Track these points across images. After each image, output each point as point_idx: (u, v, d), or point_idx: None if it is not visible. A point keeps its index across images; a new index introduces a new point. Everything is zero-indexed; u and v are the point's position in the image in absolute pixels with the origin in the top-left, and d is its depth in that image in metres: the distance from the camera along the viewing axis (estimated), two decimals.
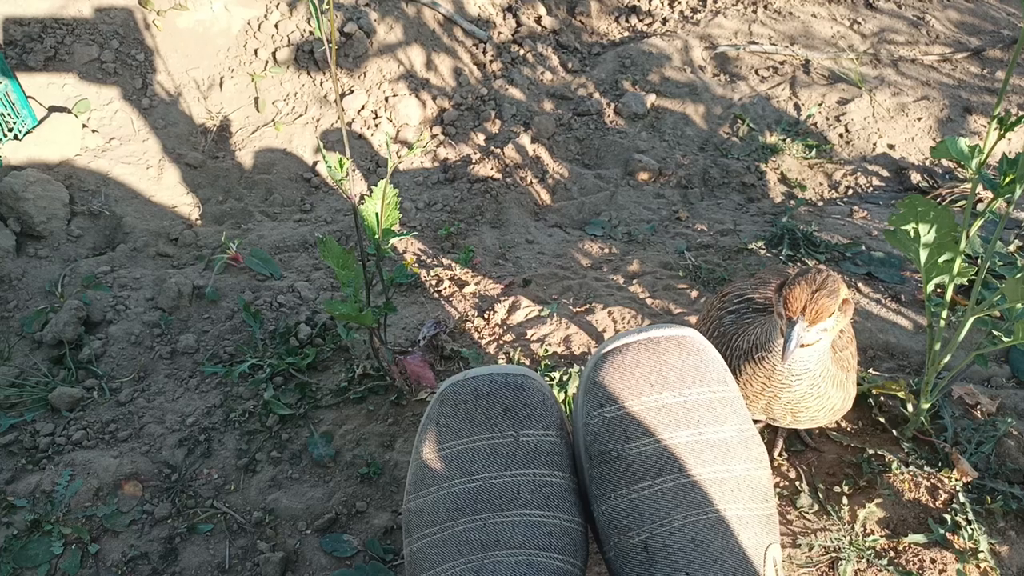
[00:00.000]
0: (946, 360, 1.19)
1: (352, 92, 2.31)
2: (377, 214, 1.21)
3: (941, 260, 1.13)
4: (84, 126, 2.10)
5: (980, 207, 1.94)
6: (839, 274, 1.69)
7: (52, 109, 2.08)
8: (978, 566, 1.11)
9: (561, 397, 1.37)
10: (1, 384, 1.45)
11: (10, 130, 1.96)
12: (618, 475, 0.84)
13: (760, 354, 1.03)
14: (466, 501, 0.84)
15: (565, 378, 1.39)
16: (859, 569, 1.11)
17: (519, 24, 2.66)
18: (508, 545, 0.82)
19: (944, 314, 1.18)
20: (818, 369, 1.02)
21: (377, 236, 1.22)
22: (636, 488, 0.83)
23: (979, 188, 1.46)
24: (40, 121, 2.02)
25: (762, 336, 1.04)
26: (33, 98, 2.06)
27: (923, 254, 1.13)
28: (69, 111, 2.09)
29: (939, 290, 1.53)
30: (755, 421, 1.22)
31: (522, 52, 2.58)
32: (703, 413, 0.85)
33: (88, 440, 1.36)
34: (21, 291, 1.65)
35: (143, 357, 1.52)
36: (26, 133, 1.98)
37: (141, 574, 1.17)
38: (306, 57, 2.35)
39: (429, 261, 1.81)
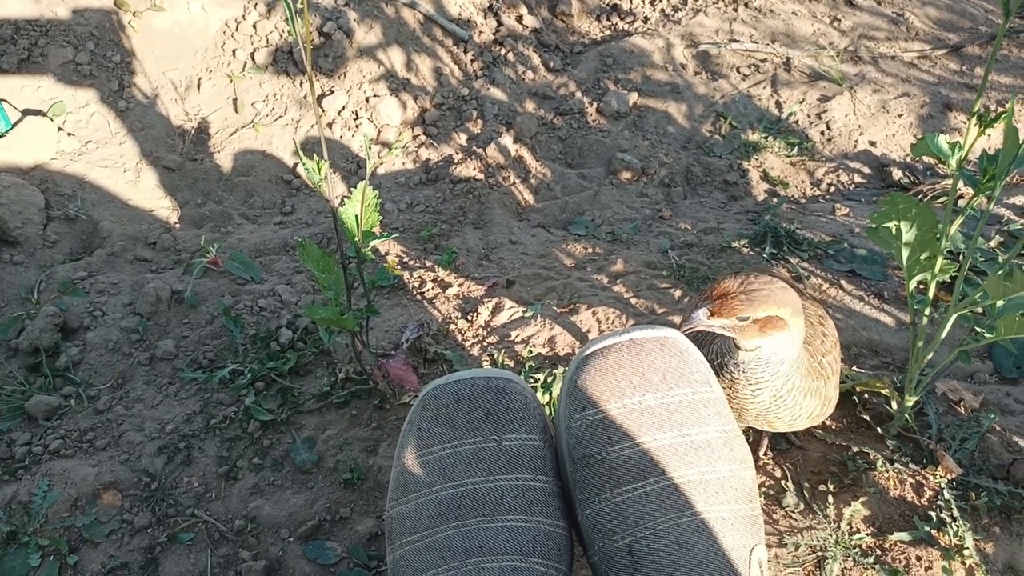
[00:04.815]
0: (929, 357, 1.20)
1: (332, 93, 2.29)
2: (357, 216, 1.20)
3: (923, 257, 1.13)
4: (59, 129, 2.07)
5: (962, 203, 1.94)
6: (823, 272, 1.69)
7: (26, 112, 2.04)
8: (963, 563, 1.11)
9: (546, 399, 1.36)
10: None
11: None
12: (602, 479, 0.83)
13: (719, 362, 1.03)
14: (449, 507, 0.83)
15: (550, 379, 1.38)
16: (845, 568, 1.11)
17: (500, 24, 2.65)
18: (492, 551, 0.81)
19: (927, 311, 1.18)
20: (778, 382, 1.01)
21: (357, 239, 1.21)
22: (620, 491, 0.82)
23: (960, 185, 1.46)
24: (14, 124, 1.98)
25: (722, 347, 1.04)
26: (6, 101, 2.03)
27: (905, 252, 1.13)
28: (44, 114, 2.06)
29: (921, 287, 1.53)
30: None
31: (503, 52, 2.56)
32: (686, 414, 0.85)
33: (66, 449, 1.33)
34: None
35: (121, 364, 1.49)
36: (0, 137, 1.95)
37: None
38: (285, 58, 2.33)
39: (412, 263, 1.80)
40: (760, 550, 0.84)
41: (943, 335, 1.16)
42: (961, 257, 1.61)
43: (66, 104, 2.11)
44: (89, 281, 1.66)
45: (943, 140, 1.05)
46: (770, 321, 0.95)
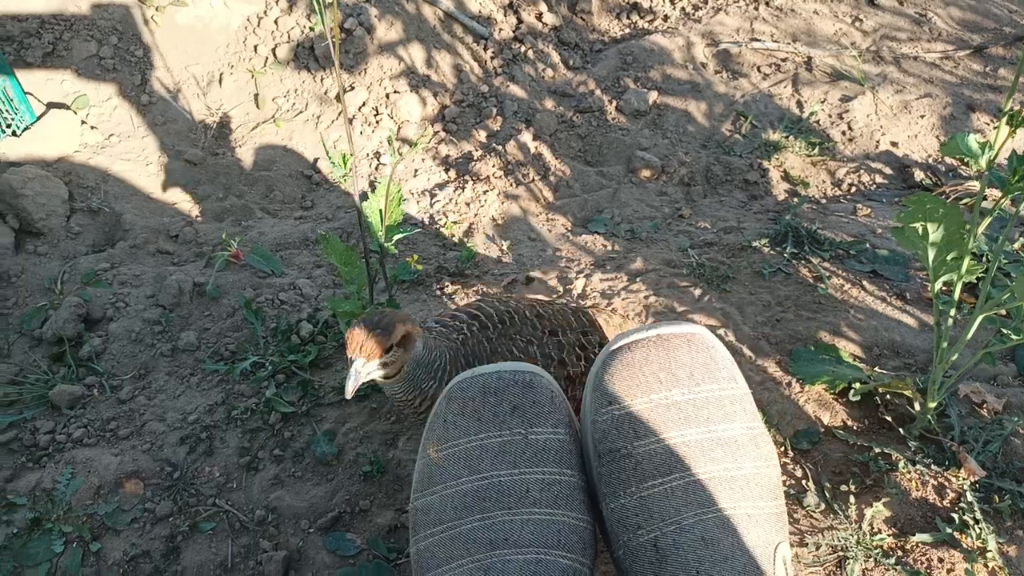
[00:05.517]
0: (953, 358, 1.19)
1: (353, 89, 2.30)
2: (381, 211, 1.20)
3: (949, 258, 1.12)
4: (83, 122, 2.09)
5: (986, 204, 1.93)
6: (845, 273, 1.68)
7: (51, 105, 2.06)
8: (986, 565, 1.10)
9: None
10: (0, 381, 1.43)
11: (8, 126, 1.95)
12: (627, 473, 0.83)
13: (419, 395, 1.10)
14: (474, 499, 0.84)
15: None
16: (866, 568, 1.10)
17: (520, 21, 2.65)
18: (516, 544, 0.81)
19: (952, 312, 1.17)
20: (416, 400, 1.07)
21: (380, 233, 1.21)
22: (645, 486, 0.82)
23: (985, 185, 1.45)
24: (39, 117, 2.00)
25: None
26: (31, 94, 2.05)
27: (931, 252, 1.12)
28: (68, 107, 2.08)
29: (946, 288, 1.52)
30: None
31: (523, 49, 2.56)
32: (713, 411, 0.85)
33: (89, 438, 1.35)
34: (20, 288, 1.64)
35: (144, 355, 1.51)
36: (24, 129, 1.96)
37: (143, 572, 1.16)
38: (306, 54, 2.34)
39: (432, 258, 1.80)
40: (784, 547, 0.84)
41: (968, 336, 1.15)
42: (986, 258, 1.60)
43: (89, 98, 2.13)
44: (112, 273, 1.67)
45: (973, 140, 1.04)
46: (407, 337, 1.03)
